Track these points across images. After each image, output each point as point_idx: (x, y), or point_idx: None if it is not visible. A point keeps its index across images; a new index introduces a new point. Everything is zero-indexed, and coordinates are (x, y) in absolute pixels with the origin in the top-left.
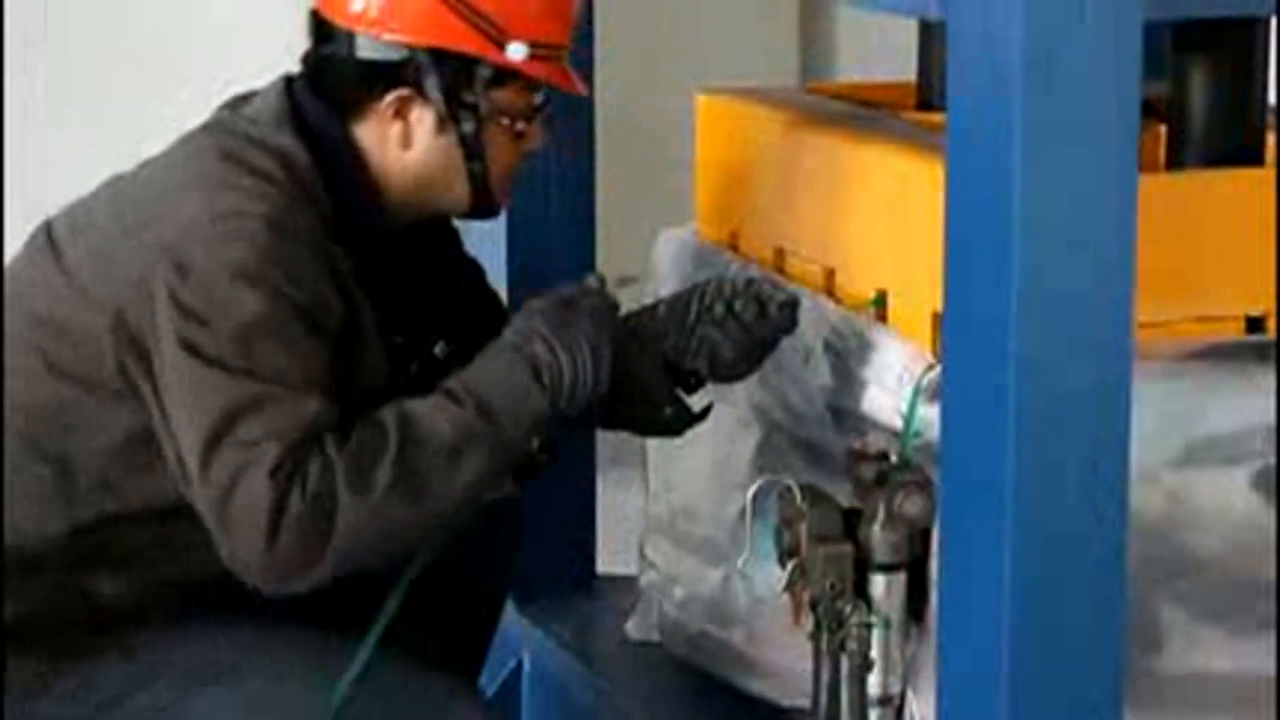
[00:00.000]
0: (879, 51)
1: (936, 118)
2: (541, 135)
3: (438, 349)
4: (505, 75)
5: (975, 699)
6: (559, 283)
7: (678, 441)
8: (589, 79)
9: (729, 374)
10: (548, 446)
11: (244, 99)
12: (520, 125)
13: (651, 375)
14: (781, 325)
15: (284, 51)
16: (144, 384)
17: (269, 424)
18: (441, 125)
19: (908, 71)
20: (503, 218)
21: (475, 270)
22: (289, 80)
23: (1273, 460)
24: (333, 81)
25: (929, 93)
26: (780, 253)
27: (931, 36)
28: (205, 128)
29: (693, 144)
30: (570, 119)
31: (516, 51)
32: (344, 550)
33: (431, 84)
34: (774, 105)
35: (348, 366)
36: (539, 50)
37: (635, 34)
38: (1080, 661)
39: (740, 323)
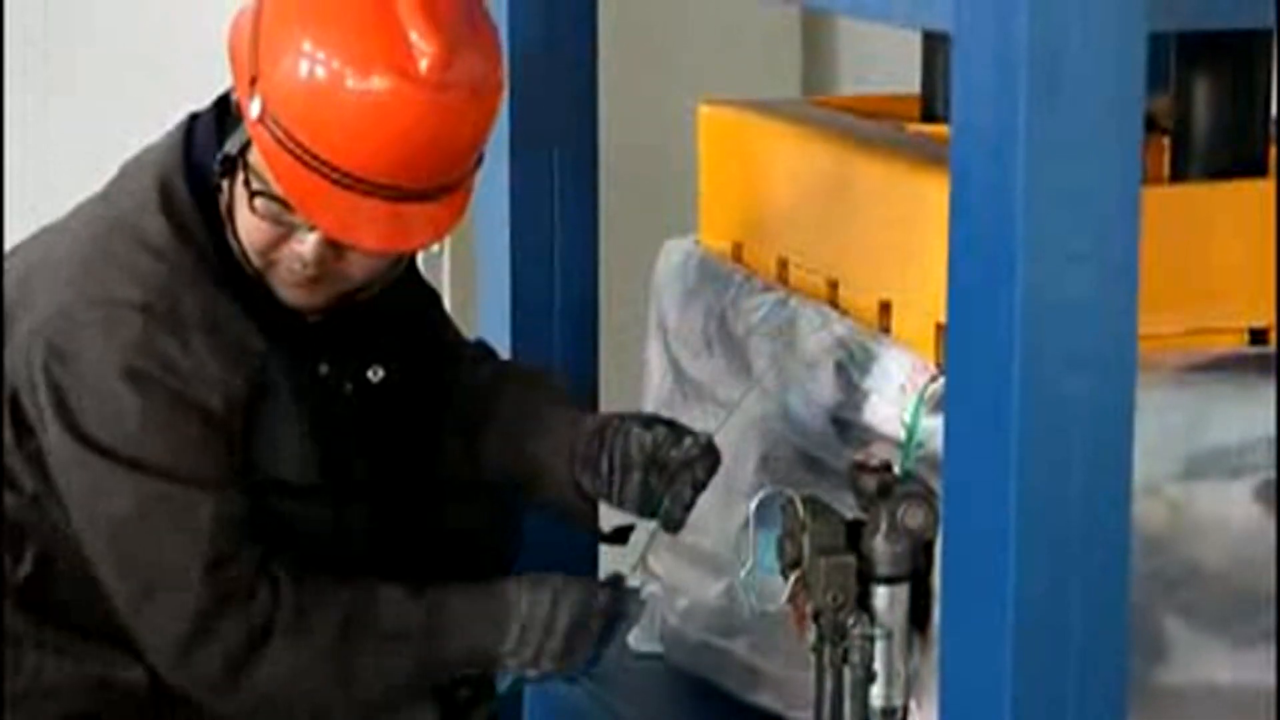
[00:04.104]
0: (881, 63)
1: (940, 129)
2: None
3: (371, 373)
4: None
5: (978, 711)
6: (561, 294)
7: None
8: (592, 89)
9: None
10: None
11: (195, 118)
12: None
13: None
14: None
15: None
16: (31, 464)
17: (175, 523)
18: None
19: (910, 83)
20: (505, 230)
21: (420, 292)
22: (194, 117)
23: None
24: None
25: (933, 104)
26: (784, 263)
27: (935, 48)
28: (105, 194)
29: (696, 155)
30: (573, 129)
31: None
32: (257, 687)
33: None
34: (777, 116)
35: (260, 439)
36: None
37: (638, 45)
38: (1083, 673)
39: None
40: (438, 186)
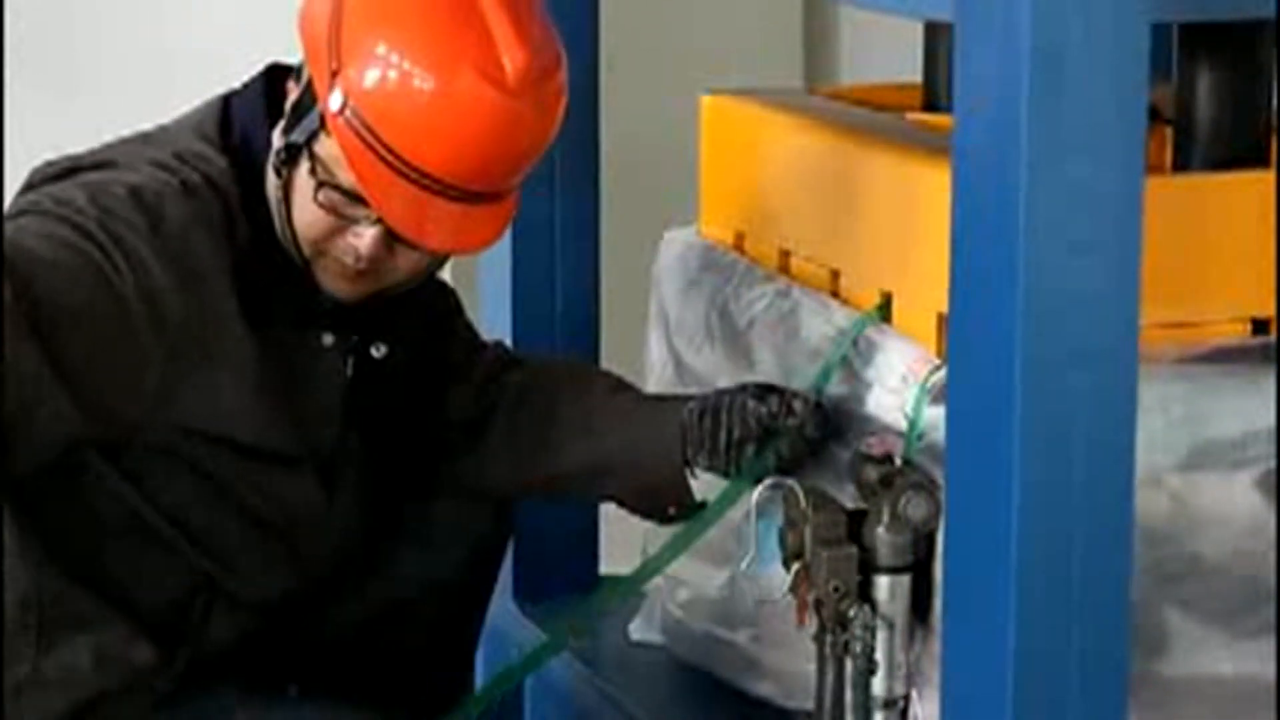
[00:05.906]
0: (883, 53)
1: (942, 119)
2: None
3: (374, 350)
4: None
5: (979, 701)
6: (562, 284)
7: None
8: (594, 79)
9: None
10: None
11: (229, 99)
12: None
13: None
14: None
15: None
16: None
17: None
18: None
19: (911, 73)
20: None
21: (435, 286)
22: (227, 99)
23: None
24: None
25: (934, 94)
26: (785, 254)
27: (937, 38)
28: (154, 130)
29: (697, 145)
30: (573, 119)
31: (335, 101)
32: None
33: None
34: (779, 106)
35: (213, 395)
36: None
37: (639, 34)
38: (1085, 665)
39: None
40: (501, 190)
